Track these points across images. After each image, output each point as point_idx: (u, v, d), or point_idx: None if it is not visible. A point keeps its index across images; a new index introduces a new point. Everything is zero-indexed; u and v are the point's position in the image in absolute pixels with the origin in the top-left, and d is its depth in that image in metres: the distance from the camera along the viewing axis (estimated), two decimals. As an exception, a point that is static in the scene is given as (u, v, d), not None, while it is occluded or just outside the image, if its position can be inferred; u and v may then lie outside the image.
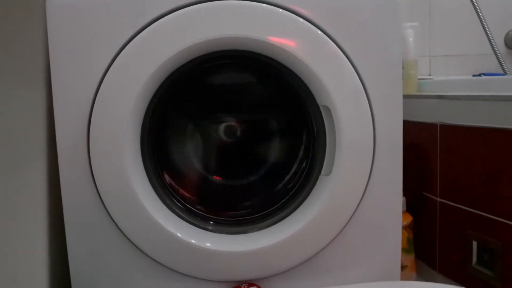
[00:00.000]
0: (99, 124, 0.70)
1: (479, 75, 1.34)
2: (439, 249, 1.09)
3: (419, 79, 1.27)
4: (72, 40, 0.70)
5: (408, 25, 1.25)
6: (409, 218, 1.03)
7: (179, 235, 0.73)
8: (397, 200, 0.79)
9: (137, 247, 0.74)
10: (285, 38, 0.70)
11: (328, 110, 0.73)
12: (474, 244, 0.98)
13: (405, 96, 1.25)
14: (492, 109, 0.92)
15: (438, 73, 1.38)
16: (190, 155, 0.87)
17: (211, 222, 0.79)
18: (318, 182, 0.77)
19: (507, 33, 1.38)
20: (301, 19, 0.71)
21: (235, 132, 0.85)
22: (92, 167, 0.71)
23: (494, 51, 1.21)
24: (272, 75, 0.80)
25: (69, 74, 0.70)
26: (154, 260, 0.74)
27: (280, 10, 0.71)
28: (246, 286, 0.75)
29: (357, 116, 0.73)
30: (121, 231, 0.73)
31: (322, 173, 0.77)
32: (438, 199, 1.09)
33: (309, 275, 0.78)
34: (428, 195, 1.11)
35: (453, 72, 1.37)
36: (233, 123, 0.85)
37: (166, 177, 0.81)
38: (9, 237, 0.63)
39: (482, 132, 0.94)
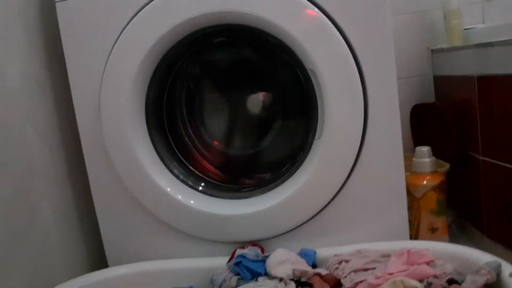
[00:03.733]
0: (106, 100, 0.79)
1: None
2: (485, 212, 1.01)
3: (466, 29, 1.16)
4: (78, 32, 0.79)
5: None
6: (439, 179, 0.97)
7: (192, 202, 0.80)
8: (398, 157, 0.76)
9: (149, 210, 0.82)
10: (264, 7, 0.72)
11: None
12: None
13: (448, 49, 1.16)
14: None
15: (494, 20, 1.23)
16: (198, 124, 0.93)
17: (215, 189, 0.85)
18: (313, 146, 0.78)
19: None
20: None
21: (238, 102, 0.89)
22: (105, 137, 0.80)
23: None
24: (264, 47, 0.82)
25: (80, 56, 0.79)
26: (166, 223, 0.82)
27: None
28: (249, 245, 0.79)
29: (343, 78, 0.72)
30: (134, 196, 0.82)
31: (316, 136, 0.77)
32: (481, 158, 1.00)
33: (310, 236, 0.79)
34: (472, 153, 1.03)
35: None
36: (236, 94, 0.89)
37: (175, 146, 0.88)
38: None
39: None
